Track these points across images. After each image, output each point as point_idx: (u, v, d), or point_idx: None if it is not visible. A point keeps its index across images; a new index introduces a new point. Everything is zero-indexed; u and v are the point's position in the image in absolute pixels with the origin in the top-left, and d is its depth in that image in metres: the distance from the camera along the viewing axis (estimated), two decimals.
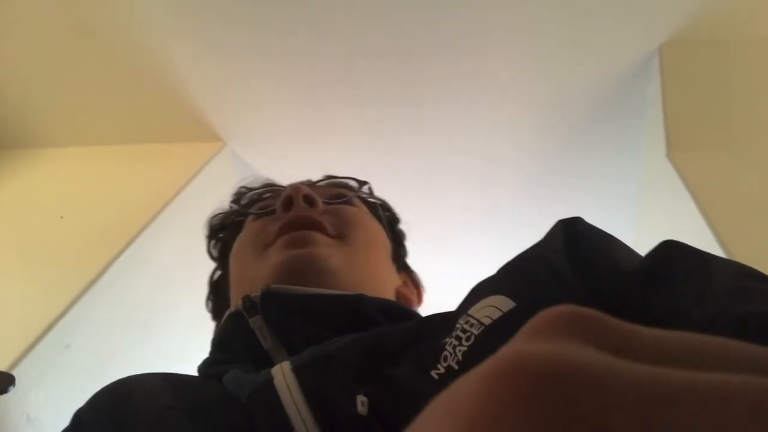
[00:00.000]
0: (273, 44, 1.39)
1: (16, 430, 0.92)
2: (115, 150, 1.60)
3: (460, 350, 0.38)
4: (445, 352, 0.39)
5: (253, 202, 0.68)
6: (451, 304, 0.47)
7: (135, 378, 0.48)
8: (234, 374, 0.45)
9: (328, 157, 1.66)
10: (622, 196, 1.61)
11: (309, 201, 0.59)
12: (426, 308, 0.51)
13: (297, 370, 0.41)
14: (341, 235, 0.58)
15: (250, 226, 0.62)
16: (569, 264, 0.42)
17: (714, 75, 1.27)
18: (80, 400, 0.48)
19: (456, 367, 0.38)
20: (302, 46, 1.38)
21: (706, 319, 0.34)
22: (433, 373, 0.38)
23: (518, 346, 0.14)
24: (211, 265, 0.71)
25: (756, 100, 1.21)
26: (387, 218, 0.69)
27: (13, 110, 1.56)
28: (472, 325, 0.39)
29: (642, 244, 0.42)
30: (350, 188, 0.68)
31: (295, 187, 0.60)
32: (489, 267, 0.47)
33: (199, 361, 0.54)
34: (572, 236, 0.45)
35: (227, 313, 0.56)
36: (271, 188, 0.69)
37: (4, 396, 0.88)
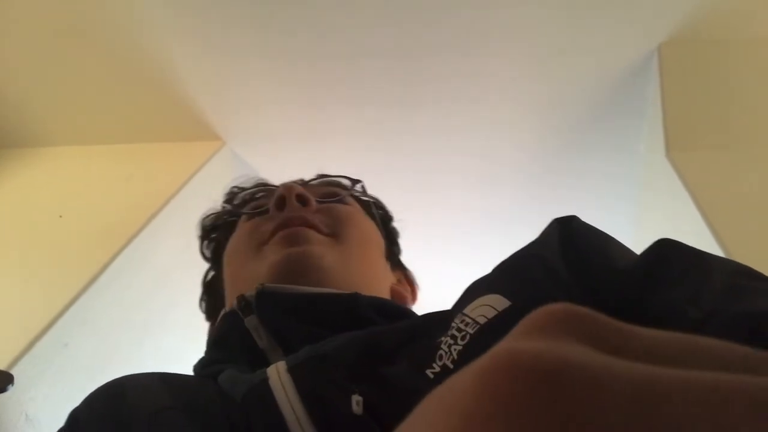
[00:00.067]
0: (273, 44, 1.39)
1: (14, 429, 0.92)
2: (114, 149, 1.60)
3: (455, 349, 0.38)
4: (441, 351, 0.39)
5: (245, 202, 0.68)
6: (450, 304, 0.47)
7: (131, 378, 0.48)
8: (229, 374, 0.45)
9: (328, 157, 1.66)
10: (621, 197, 1.61)
11: (302, 200, 0.59)
12: (426, 308, 0.50)
13: (292, 370, 0.41)
14: (335, 233, 0.58)
15: (243, 226, 0.62)
16: (565, 262, 0.42)
17: (713, 75, 1.27)
18: (79, 399, 0.48)
19: (451, 366, 0.38)
20: (302, 46, 1.38)
21: (701, 317, 0.34)
22: (429, 372, 0.38)
23: (512, 343, 0.14)
24: None
25: (755, 100, 1.21)
26: (380, 216, 0.69)
27: (12, 109, 1.56)
28: (467, 324, 0.39)
29: (642, 244, 0.42)
30: (343, 187, 0.68)
31: (288, 187, 0.60)
32: (489, 267, 0.47)
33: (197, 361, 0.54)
34: (568, 235, 0.45)
35: (222, 312, 0.56)
36: (264, 188, 0.69)
37: (3, 395, 0.88)
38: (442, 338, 0.40)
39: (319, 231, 0.57)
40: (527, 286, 0.42)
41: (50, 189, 1.49)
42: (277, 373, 0.41)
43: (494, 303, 0.40)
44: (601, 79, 1.42)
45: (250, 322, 0.49)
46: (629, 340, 0.14)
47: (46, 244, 1.26)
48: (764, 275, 0.37)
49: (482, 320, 0.39)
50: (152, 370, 0.50)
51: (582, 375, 0.12)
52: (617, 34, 1.33)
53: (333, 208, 0.61)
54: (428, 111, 1.54)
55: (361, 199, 0.69)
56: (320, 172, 0.70)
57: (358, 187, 0.69)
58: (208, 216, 0.71)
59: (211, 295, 0.67)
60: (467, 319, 0.40)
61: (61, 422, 0.47)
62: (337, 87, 1.49)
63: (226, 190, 0.72)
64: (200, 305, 0.69)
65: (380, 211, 0.71)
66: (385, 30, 1.35)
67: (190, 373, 0.53)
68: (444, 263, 1.82)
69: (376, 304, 0.52)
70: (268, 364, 0.43)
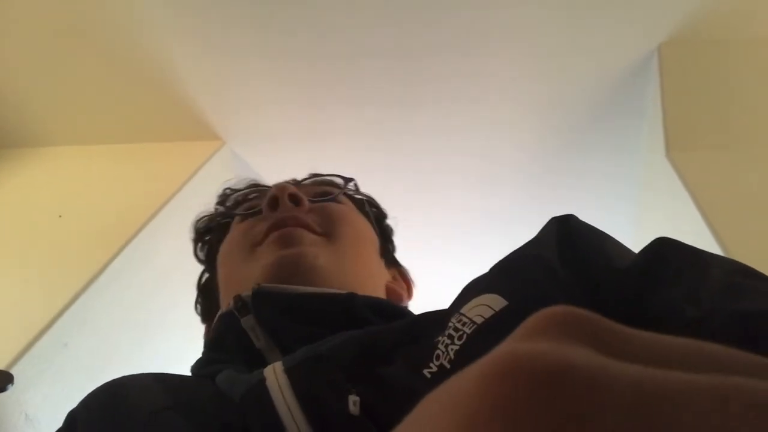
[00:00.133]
0: (273, 44, 1.39)
1: (14, 429, 0.92)
2: (114, 149, 1.60)
3: (452, 349, 0.38)
4: (438, 351, 0.39)
5: (238, 203, 0.68)
6: (450, 304, 0.47)
7: (129, 378, 0.48)
8: (227, 374, 0.45)
9: (328, 157, 1.67)
10: (621, 197, 1.61)
11: (295, 200, 0.59)
12: (425, 308, 0.50)
13: (289, 371, 0.41)
14: (328, 233, 0.58)
15: (236, 228, 0.62)
16: (562, 262, 0.42)
17: (713, 75, 1.27)
18: (78, 399, 0.48)
19: (448, 365, 0.38)
20: (302, 46, 1.39)
21: (699, 316, 0.34)
22: (426, 371, 0.38)
23: (514, 345, 0.14)
24: None
25: (755, 100, 1.21)
26: (374, 214, 0.69)
27: (12, 109, 1.57)
28: (464, 324, 0.39)
29: (642, 244, 0.42)
30: (336, 185, 0.68)
31: (281, 187, 0.60)
32: (489, 267, 0.47)
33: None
34: (565, 233, 0.45)
35: (219, 313, 0.56)
36: (257, 188, 0.69)
37: (3, 394, 0.88)
38: (439, 338, 0.40)
39: (312, 231, 0.57)
40: (525, 286, 0.42)
41: (50, 189, 1.49)
42: (274, 374, 0.41)
43: (491, 303, 0.40)
44: (601, 79, 1.42)
45: (247, 322, 0.49)
46: (629, 342, 0.14)
47: (46, 244, 1.26)
48: (763, 274, 0.37)
49: (479, 320, 0.39)
50: (151, 371, 0.50)
51: (582, 376, 0.12)
52: (617, 34, 1.33)
53: (326, 207, 0.61)
54: (428, 111, 1.54)
55: (354, 197, 0.69)
56: (312, 172, 0.70)
57: (350, 185, 0.69)
58: (201, 218, 0.71)
59: (207, 297, 0.67)
60: (464, 319, 0.40)
61: (61, 422, 0.47)
62: (337, 87, 1.49)
63: (219, 191, 0.71)
64: (196, 308, 0.69)
65: (373, 209, 0.70)
66: (385, 30, 1.35)
67: (188, 373, 0.53)
68: (444, 263, 1.82)
69: (373, 303, 0.52)
70: (265, 364, 0.43)
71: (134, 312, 1.27)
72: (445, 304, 0.47)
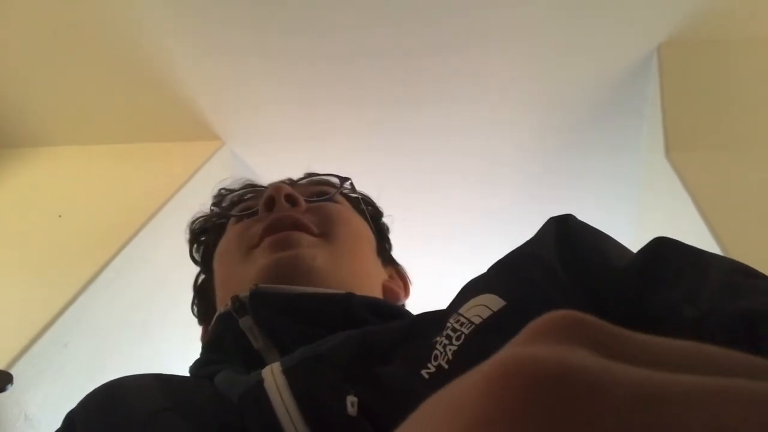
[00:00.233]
0: (273, 44, 1.39)
1: (14, 429, 0.92)
2: (113, 149, 1.60)
3: (450, 349, 0.38)
4: (436, 351, 0.39)
5: (234, 203, 0.67)
6: (448, 304, 0.47)
7: (127, 379, 0.48)
8: (225, 375, 0.45)
9: (328, 157, 1.67)
10: (621, 197, 1.61)
11: (291, 200, 0.59)
12: (425, 307, 0.50)
13: (287, 372, 0.41)
14: (325, 233, 0.58)
15: (232, 229, 0.62)
16: (561, 261, 0.42)
17: (713, 75, 1.27)
18: (78, 399, 0.48)
19: (446, 366, 0.38)
20: (302, 46, 1.39)
21: (699, 316, 0.34)
22: (424, 372, 0.38)
23: (516, 349, 0.14)
24: None
25: (755, 100, 1.21)
26: (370, 213, 0.69)
27: (12, 109, 1.57)
28: (462, 324, 0.39)
29: (641, 244, 0.42)
30: (332, 185, 0.67)
31: (277, 187, 0.59)
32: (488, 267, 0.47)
33: None
34: (564, 233, 0.45)
35: (217, 314, 0.56)
36: (253, 189, 0.68)
37: (2, 394, 0.88)
38: (437, 338, 0.40)
39: (309, 232, 0.57)
40: (523, 286, 0.41)
41: (50, 189, 1.49)
42: (272, 375, 0.41)
43: (489, 303, 0.40)
44: (601, 79, 1.42)
45: (245, 323, 0.49)
46: (630, 345, 0.14)
47: (46, 244, 1.26)
48: (762, 273, 0.37)
49: (477, 320, 0.39)
50: (151, 371, 0.50)
51: (583, 379, 0.12)
52: (617, 34, 1.33)
53: (322, 207, 0.61)
54: (428, 111, 1.54)
55: (350, 196, 0.69)
56: (308, 171, 0.70)
57: (346, 184, 0.68)
58: (196, 219, 0.70)
59: (203, 298, 0.67)
60: (462, 319, 0.40)
61: (60, 422, 0.47)
62: (337, 87, 1.49)
63: (214, 192, 0.71)
64: (192, 309, 0.69)
65: (369, 208, 0.70)
66: (385, 30, 1.35)
67: (187, 374, 0.53)
68: (444, 263, 1.82)
69: (371, 303, 0.52)
70: (263, 365, 0.43)
71: (134, 312, 1.27)
72: (444, 304, 0.47)
